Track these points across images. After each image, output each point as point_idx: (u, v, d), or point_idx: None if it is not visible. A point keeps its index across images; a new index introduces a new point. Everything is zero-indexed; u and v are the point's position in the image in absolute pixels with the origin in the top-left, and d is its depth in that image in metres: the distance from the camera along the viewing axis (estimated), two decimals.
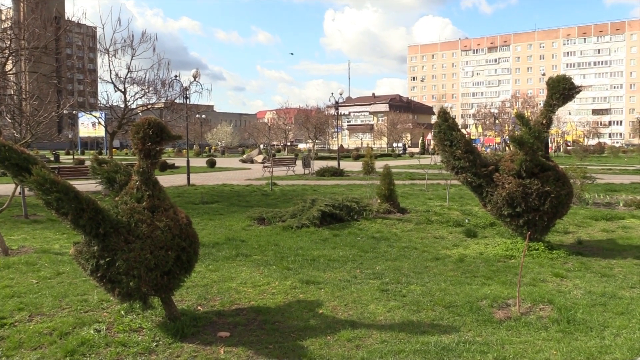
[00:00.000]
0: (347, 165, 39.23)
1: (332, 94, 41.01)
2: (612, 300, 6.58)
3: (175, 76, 24.16)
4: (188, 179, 24.84)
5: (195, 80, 25.83)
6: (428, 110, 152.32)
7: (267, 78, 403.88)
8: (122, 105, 21.25)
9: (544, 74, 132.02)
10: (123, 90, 20.92)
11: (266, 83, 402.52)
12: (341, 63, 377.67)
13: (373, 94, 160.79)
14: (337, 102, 41.85)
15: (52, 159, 52.45)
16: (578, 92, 9.45)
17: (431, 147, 69.16)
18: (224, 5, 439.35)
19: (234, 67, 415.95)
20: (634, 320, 5.83)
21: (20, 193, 14.30)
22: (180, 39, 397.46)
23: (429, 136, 75.88)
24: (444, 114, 9.87)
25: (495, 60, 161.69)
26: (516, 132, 9.85)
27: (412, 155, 70.63)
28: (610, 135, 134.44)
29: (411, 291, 7.02)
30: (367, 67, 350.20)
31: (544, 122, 9.46)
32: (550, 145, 76.27)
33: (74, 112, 62.67)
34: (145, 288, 5.31)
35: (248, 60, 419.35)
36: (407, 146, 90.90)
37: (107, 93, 35.95)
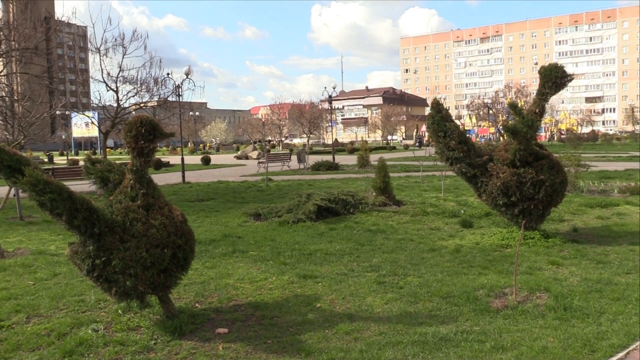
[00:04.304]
0: (342, 159, 39.22)
1: (325, 88, 41.01)
2: (608, 286, 6.61)
3: (168, 74, 24.08)
4: (183, 176, 24.79)
5: (187, 77, 25.74)
6: (422, 102, 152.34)
7: (257, 73, 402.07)
8: (115, 105, 21.17)
9: (536, 63, 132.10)
10: (115, 89, 20.85)
11: (257, 79, 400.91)
12: (330, 57, 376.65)
13: (366, 87, 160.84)
14: (330, 96, 41.80)
15: (45, 160, 52.23)
16: (570, 81, 9.47)
17: (425, 139, 69.05)
18: (207, 1, 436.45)
19: (223, 64, 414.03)
20: (630, 306, 5.87)
21: (14, 195, 14.24)
22: (168, 36, 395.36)
23: (423, 128, 75.73)
24: (437, 105, 9.87)
25: (488, 51, 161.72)
26: (510, 122, 9.86)
27: (406, 147, 70.66)
28: (603, 123, 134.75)
29: (408, 283, 7.04)
30: (357, 61, 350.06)
31: (537, 111, 9.47)
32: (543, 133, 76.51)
33: (66, 112, 62.41)
34: (142, 287, 5.31)
35: (237, 56, 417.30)
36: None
37: (99, 92, 35.88)
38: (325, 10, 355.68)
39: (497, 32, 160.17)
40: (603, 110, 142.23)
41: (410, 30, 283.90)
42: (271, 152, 49.15)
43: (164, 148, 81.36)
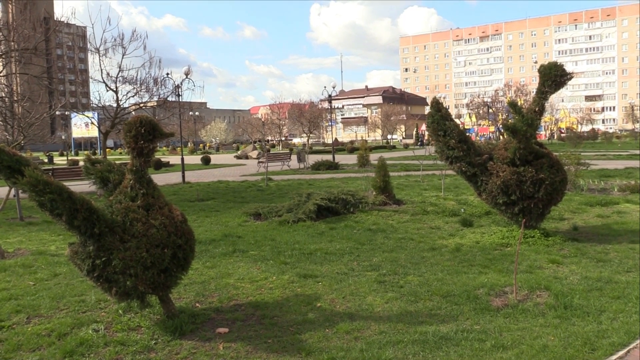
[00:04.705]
0: (341, 158, 39.22)
1: (324, 87, 41.09)
2: (608, 284, 6.61)
3: (167, 74, 24.08)
4: (183, 176, 24.79)
5: (187, 77, 25.75)
6: (421, 101, 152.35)
7: (256, 73, 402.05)
8: (115, 105, 21.17)
9: (536, 62, 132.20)
10: (115, 89, 20.85)
11: (256, 78, 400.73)
12: (329, 56, 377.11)
13: (366, 86, 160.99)
14: (330, 96, 41.81)
15: (45, 160, 52.20)
16: (569, 79, 9.46)
17: (425, 138, 68.83)
18: (206, 1, 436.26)
19: (222, 63, 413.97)
20: (630, 304, 5.86)
21: (14, 195, 14.24)
22: (167, 36, 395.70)
23: (423, 127, 75.53)
24: (437, 104, 9.87)
25: (487, 50, 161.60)
26: (509, 121, 9.86)
27: (406, 146, 70.55)
28: (603, 121, 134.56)
29: (408, 282, 7.04)
30: (357, 60, 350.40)
31: (537, 109, 9.46)
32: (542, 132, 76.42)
33: (66, 112, 62.38)
34: (143, 287, 5.31)
35: (236, 56, 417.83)
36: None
37: (99, 93, 35.86)
38: (324, 10, 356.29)
39: (497, 30, 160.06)
40: (603, 109, 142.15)
41: (409, 29, 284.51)
42: (271, 152, 49.14)
43: (164, 148, 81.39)
